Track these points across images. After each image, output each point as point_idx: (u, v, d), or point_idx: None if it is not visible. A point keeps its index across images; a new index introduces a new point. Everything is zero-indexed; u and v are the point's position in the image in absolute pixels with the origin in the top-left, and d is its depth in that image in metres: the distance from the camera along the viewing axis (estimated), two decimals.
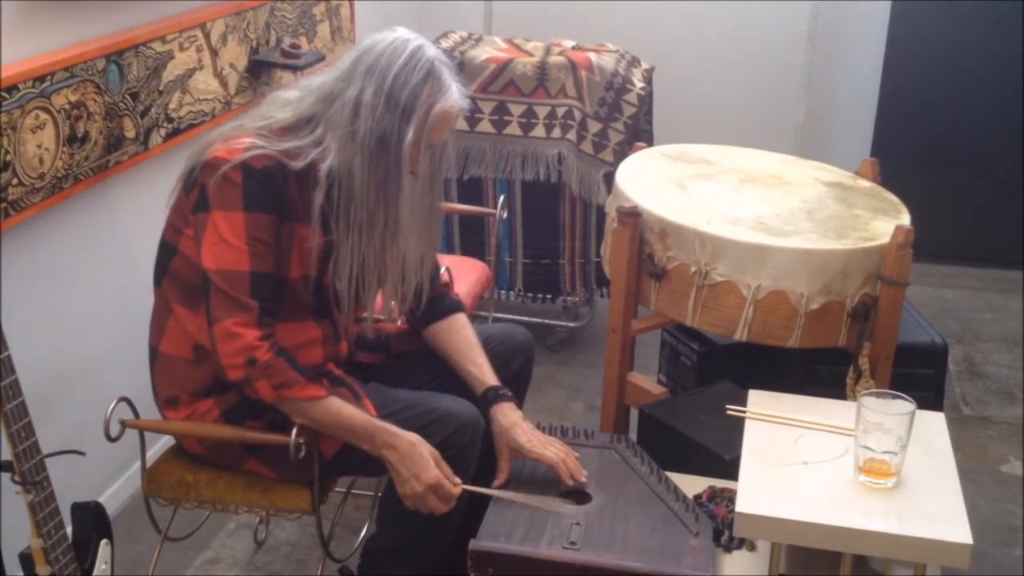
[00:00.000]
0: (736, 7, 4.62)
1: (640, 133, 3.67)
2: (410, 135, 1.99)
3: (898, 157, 4.28)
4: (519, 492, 2.08)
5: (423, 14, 4.73)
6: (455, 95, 2.05)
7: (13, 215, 2.28)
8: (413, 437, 2.00)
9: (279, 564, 2.70)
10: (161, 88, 2.76)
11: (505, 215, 3.67)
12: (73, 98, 2.42)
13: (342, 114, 2.00)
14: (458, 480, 2.03)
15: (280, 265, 2.02)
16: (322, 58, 3.47)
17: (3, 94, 2.21)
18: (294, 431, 1.98)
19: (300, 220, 2.03)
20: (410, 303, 2.25)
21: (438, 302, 2.30)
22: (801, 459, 1.99)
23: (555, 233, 3.74)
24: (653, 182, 2.62)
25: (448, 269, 2.43)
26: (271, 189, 1.98)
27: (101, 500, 2.27)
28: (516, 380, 2.34)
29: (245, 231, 1.96)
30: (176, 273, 2.09)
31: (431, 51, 2.04)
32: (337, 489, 2.38)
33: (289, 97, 2.10)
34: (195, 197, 2.00)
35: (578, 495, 2.10)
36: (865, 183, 2.70)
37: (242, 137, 2.01)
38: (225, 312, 1.94)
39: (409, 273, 2.16)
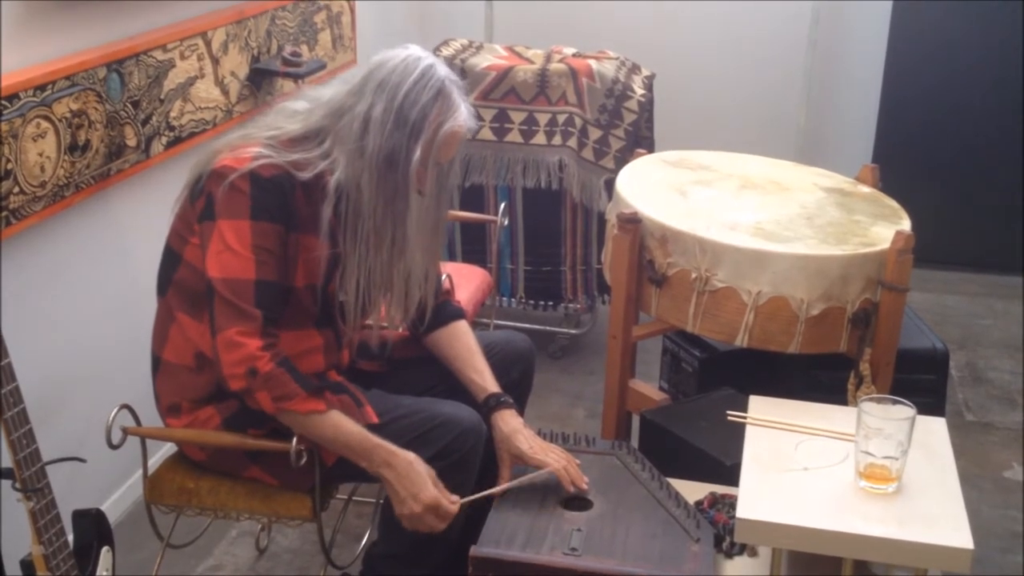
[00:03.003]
0: (736, 13, 4.63)
1: (641, 140, 3.68)
2: (417, 153, 2.00)
3: (899, 162, 4.28)
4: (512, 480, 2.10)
5: (424, 22, 4.74)
6: (464, 115, 2.06)
7: (15, 223, 2.29)
8: (411, 456, 2.00)
9: (281, 571, 2.70)
10: (162, 96, 2.77)
11: (506, 222, 3.68)
12: (74, 106, 2.43)
13: (351, 129, 2.00)
14: (455, 497, 2.02)
15: (286, 274, 2.02)
16: (323, 66, 3.48)
17: (4, 103, 2.21)
18: (295, 438, 1.98)
19: (307, 230, 2.03)
20: (413, 316, 2.25)
21: (439, 309, 2.30)
22: (802, 464, 1.99)
23: (556, 240, 3.74)
24: (653, 188, 2.63)
25: (449, 276, 2.43)
26: (278, 198, 1.98)
27: (103, 507, 2.27)
28: (517, 387, 2.34)
29: (251, 240, 1.96)
30: (180, 281, 2.09)
31: (442, 70, 2.05)
32: (338, 496, 2.38)
33: (297, 108, 2.10)
34: (201, 206, 2.00)
35: (579, 501, 2.10)
36: (865, 189, 2.70)
37: (250, 146, 2.01)
38: (229, 321, 1.94)
39: (413, 288, 2.17)
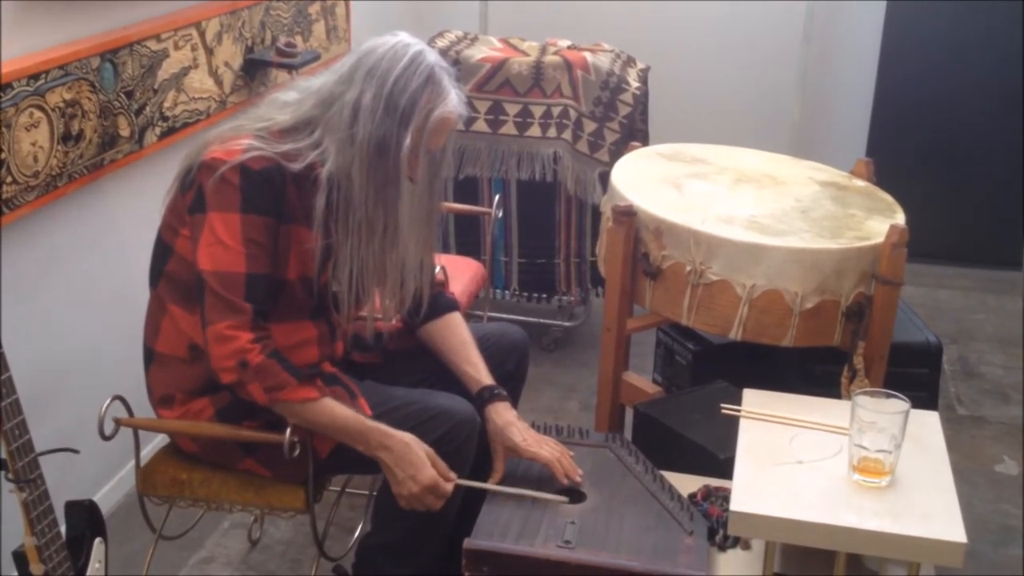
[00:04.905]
0: (731, 7, 4.63)
1: (635, 132, 3.68)
2: (408, 140, 1.99)
3: (893, 157, 4.28)
4: (513, 486, 2.08)
5: (419, 14, 4.73)
6: (454, 101, 2.05)
7: (7, 213, 2.28)
8: (407, 437, 2.00)
9: (273, 563, 2.70)
10: (156, 87, 2.76)
11: (500, 214, 3.67)
12: (68, 96, 2.42)
13: (341, 117, 1.99)
14: (453, 475, 2.03)
15: (277, 267, 2.02)
16: (317, 57, 3.47)
17: None
18: (288, 430, 1.98)
19: (298, 222, 2.03)
20: (408, 307, 2.25)
21: (433, 301, 2.29)
22: (795, 458, 1.99)
23: (550, 232, 3.74)
24: (648, 181, 2.63)
25: (443, 268, 2.43)
26: (269, 191, 1.98)
27: (95, 499, 2.27)
28: (511, 379, 2.34)
29: (241, 233, 1.95)
30: (172, 273, 2.08)
31: (431, 56, 2.04)
32: (331, 488, 2.38)
33: (288, 99, 2.09)
34: (192, 198, 1.99)
35: (573, 494, 2.10)
36: (860, 183, 2.70)
37: (240, 138, 2.00)
38: (219, 315, 1.94)
39: (408, 278, 2.16)
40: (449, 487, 2.01)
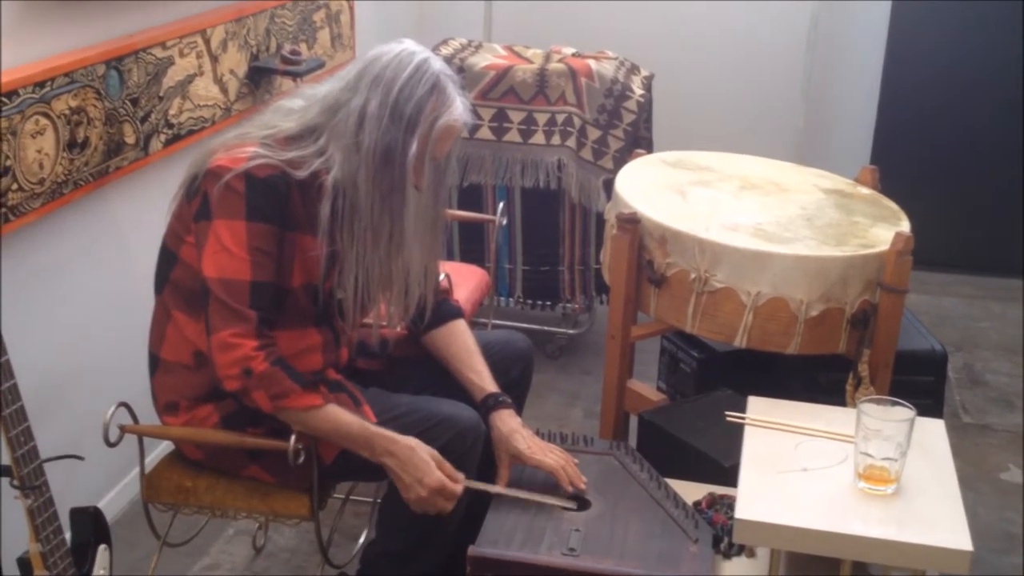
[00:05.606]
0: (735, 13, 4.63)
1: (639, 140, 3.68)
2: (414, 148, 1.99)
3: (898, 164, 4.27)
4: (520, 490, 2.08)
5: (423, 21, 4.74)
6: (459, 109, 2.06)
7: (13, 220, 2.28)
8: (411, 441, 2.00)
9: (278, 570, 2.70)
10: (161, 94, 2.76)
11: (505, 222, 3.68)
12: (73, 104, 2.42)
13: (346, 124, 2.00)
14: (460, 476, 2.02)
15: (282, 274, 2.02)
16: (322, 64, 3.47)
17: (3, 99, 2.20)
18: (293, 437, 1.98)
19: (303, 230, 2.03)
20: (413, 314, 2.25)
21: (438, 308, 2.30)
22: (801, 466, 1.99)
23: (555, 240, 3.74)
24: (652, 189, 2.63)
25: (447, 275, 2.43)
26: (274, 199, 1.98)
27: (100, 505, 2.27)
28: (516, 387, 2.33)
29: (247, 240, 1.95)
30: (177, 280, 2.08)
31: (437, 64, 2.04)
32: (336, 495, 2.38)
33: (293, 106, 2.10)
34: (197, 205, 2.00)
35: (578, 501, 2.10)
36: (865, 190, 2.70)
37: (246, 146, 2.01)
38: (223, 322, 1.94)
39: (413, 285, 2.16)
40: (458, 488, 2.01)
